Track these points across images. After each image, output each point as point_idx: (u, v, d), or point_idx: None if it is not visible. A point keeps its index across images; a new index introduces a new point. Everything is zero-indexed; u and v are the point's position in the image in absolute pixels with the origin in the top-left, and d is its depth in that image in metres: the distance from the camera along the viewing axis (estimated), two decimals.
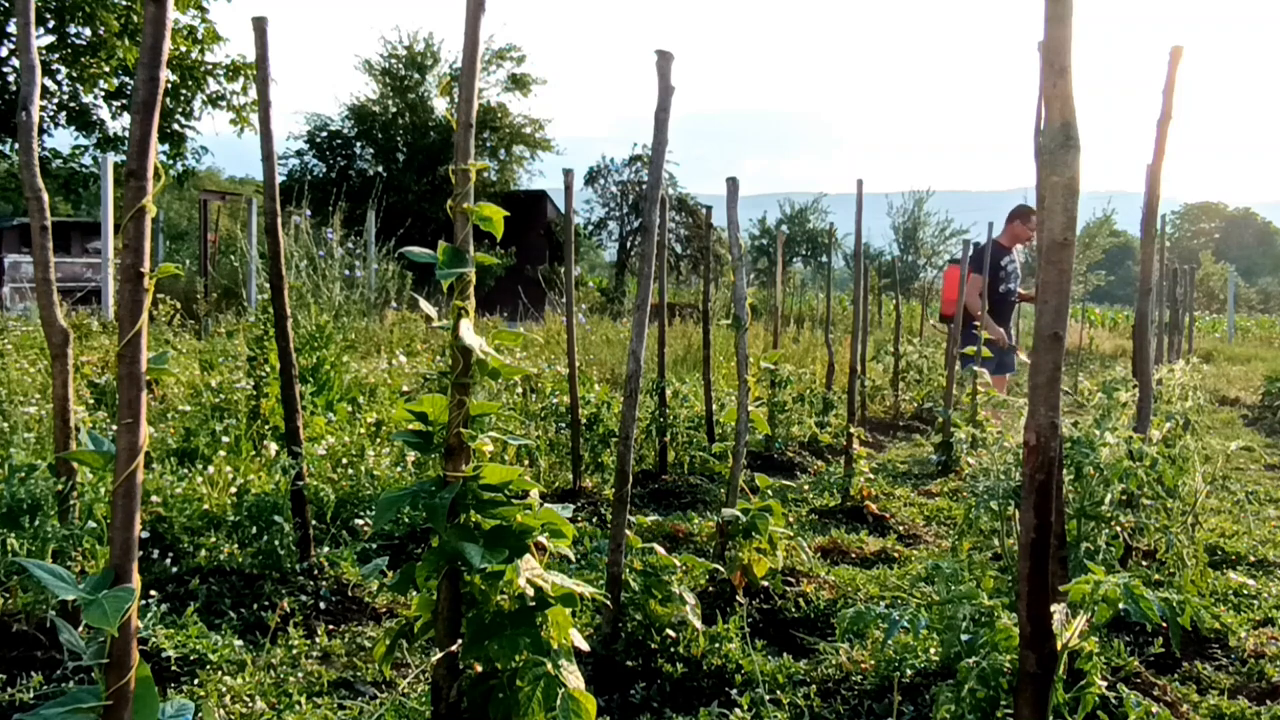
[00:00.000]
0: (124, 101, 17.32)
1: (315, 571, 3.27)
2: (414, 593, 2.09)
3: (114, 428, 1.40)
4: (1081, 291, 20.46)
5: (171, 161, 17.69)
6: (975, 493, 3.11)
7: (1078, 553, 2.86)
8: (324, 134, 26.79)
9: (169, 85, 16.25)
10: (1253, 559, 4.01)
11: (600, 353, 9.89)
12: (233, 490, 3.72)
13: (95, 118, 17.60)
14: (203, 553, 3.29)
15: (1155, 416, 3.61)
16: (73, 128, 17.49)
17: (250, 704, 2.35)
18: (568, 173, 5.19)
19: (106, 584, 1.38)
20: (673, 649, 2.65)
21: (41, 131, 13.50)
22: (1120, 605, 1.92)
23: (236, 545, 3.36)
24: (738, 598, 3.12)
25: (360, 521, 3.90)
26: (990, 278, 7.26)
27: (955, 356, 6.52)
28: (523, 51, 26.77)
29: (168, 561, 3.23)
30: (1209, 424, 8.41)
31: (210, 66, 17.46)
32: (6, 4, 15.39)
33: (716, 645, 2.67)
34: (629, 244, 27.99)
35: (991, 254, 7.36)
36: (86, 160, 18.13)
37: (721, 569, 3.16)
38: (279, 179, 3.36)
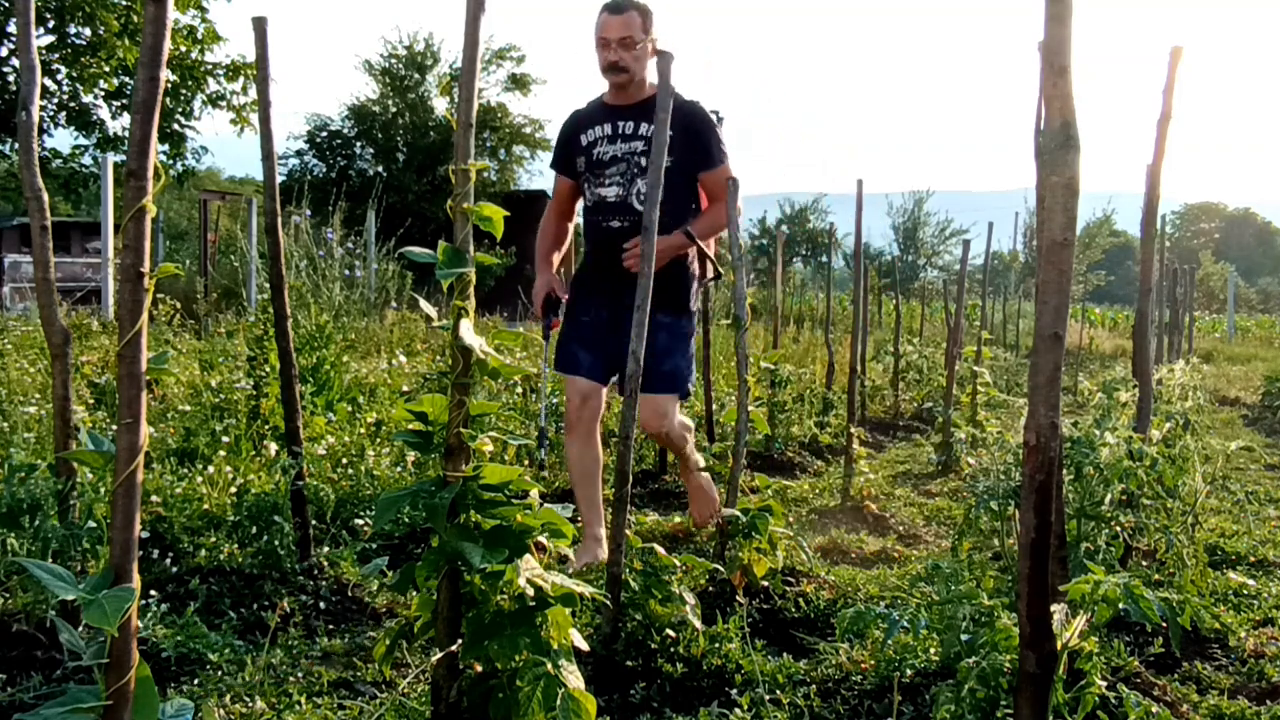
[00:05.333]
0: (124, 101, 17.33)
1: (315, 571, 3.27)
2: (414, 593, 2.09)
3: (114, 428, 1.40)
4: (1081, 291, 20.47)
5: (171, 161, 17.70)
6: (975, 493, 3.11)
7: (1078, 553, 2.86)
8: (324, 134, 26.77)
9: (169, 85, 16.25)
10: (1253, 559, 4.01)
11: None
12: (233, 490, 3.72)
13: (95, 118, 17.61)
14: (203, 553, 3.29)
15: (1155, 416, 3.60)
16: (73, 128, 17.50)
17: (250, 704, 2.35)
18: None
19: (106, 584, 1.38)
20: (673, 649, 2.65)
21: (41, 131, 13.50)
22: (1120, 605, 1.92)
23: (236, 545, 3.36)
24: (738, 598, 3.12)
25: (360, 521, 3.90)
26: (569, 172, 3.87)
27: (955, 356, 6.51)
28: (523, 51, 26.77)
29: (168, 561, 3.23)
30: (1209, 424, 8.41)
31: (210, 66, 17.48)
32: (6, 4, 15.39)
33: (716, 645, 2.67)
34: None
35: (568, 125, 3.86)
36: (86, 160, 18.14)
37: (721, 569, 3.16)
38: (279, 179, 3.36)
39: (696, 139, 3.66)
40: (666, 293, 3.59)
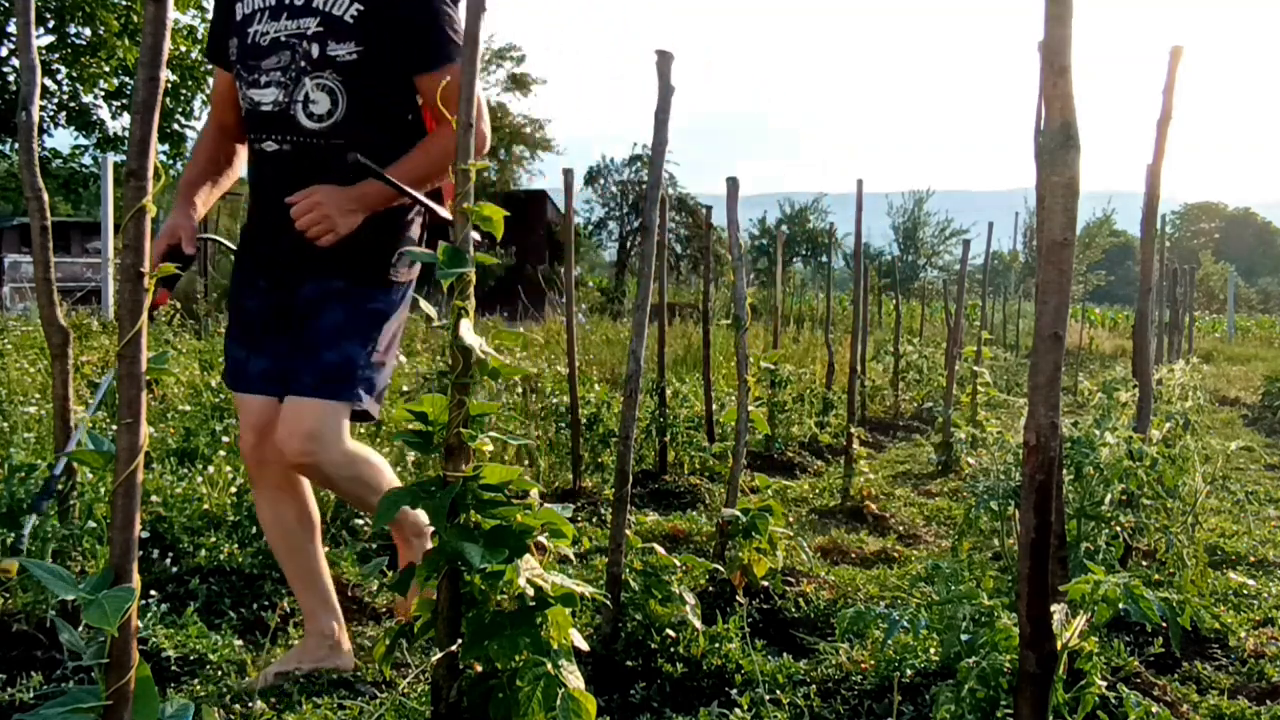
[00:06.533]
0: (124, 101, 17.33)
1: None
2: None
3: (114, 428, 1.40)
4: (1081, 291, 20.50)
5: (171, 161, 17.69)
6: (975, 493, 3.11)
7: (1078, 553, 2.86)
8: None
9: (169, 85, 16.26)
10: (1253, 559, 4.01)
11: (600, 353, 9.89)
12: (233, 490, 3.72)
13: (95, 118, 17.62)
14: (203, 553, 3.29)
15: (1155, 416, 3.61)
16: (73, 128, 17.51)
17: (250, 704, 2.35)
18: (568, 173, 5.19)
19: (106, 584, 1.38)
20: (673, 649, 2.65)
21: (41, 131, 13.51)
22: (1120, 605, 1.92)
23: (236, 545, 3.36)
24: (738, 598, 3.12)
25: (360, 521, 3.89)
26: (224, 61, 2.54)
27: (955, 356, 6.51)
28: (523, 51, 26.83)
29: (168, 561, 3.23)
30: (1209, 424, 8.41)
31: (210, 66, 17.47)
32: (6, 4, 15.40)
33: (716, 645, 2.67)
34: (629, 244, 27.98)
35: None
36: (86, 160, 18.15)
37: (721, 569, 3.16)
38: None
39: (408, 18, 2.33)
40: (356, 253, 2.35)
